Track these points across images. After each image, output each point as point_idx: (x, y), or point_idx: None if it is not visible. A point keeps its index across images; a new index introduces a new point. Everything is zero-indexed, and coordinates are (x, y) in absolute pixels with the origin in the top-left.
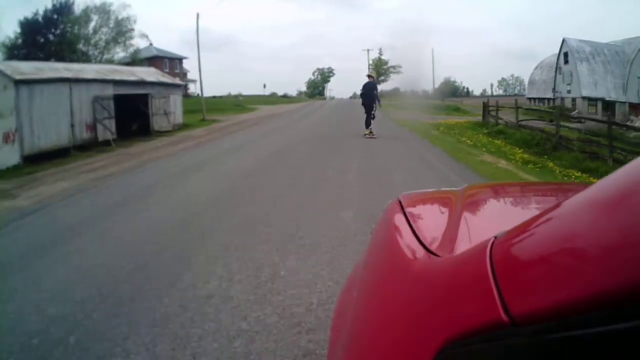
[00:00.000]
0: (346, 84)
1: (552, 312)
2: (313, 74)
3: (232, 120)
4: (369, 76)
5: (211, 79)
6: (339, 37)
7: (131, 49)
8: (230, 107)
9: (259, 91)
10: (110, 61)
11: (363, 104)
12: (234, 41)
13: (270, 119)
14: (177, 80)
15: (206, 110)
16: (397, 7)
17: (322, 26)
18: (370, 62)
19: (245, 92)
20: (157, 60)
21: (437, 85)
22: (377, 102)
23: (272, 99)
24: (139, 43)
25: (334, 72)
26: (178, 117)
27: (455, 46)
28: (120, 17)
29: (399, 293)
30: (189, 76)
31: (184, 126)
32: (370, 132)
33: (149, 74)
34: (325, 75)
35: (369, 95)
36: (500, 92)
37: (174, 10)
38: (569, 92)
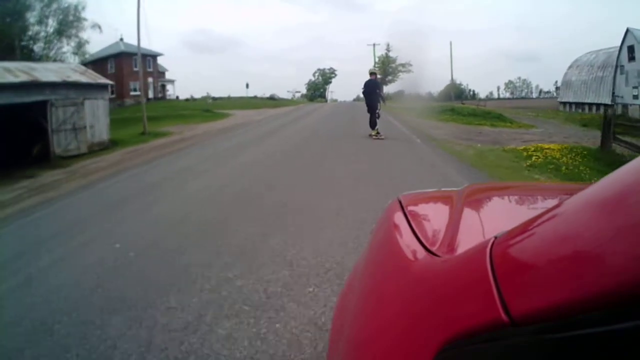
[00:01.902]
0: (349, 87)
1: (552, 312)
2: (313, 75)
3: (184, 133)
4: (372, 74)
5: (198, 80)
6: (340, 39)
7: (83, 42)
8: (198, 114)
9: (247, 93)
10: (51, 59)
11: (366, 103)
12: (232, 43)
13: (234, 131)
14: (101, 79)
15: (165, 118)
16: (399, 9)
17: (323, 28)
18: (377, 59)
19: (230, 94)
20: (125, 57)
21: (442, 87)
22: (381, 101)
23: (255, 102)
24: (101, 37)
25: (336, 72)
26: (100, 132)
27: (458, 48)
28: (65, 3)
29: (399, 293)
30: (168, 75)
31: (110, 145)
32: (377, 133)
33: (57, 72)
34: (326, 76)
35: (372, 94)
36: (507, 94)
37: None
38: (635, 97)
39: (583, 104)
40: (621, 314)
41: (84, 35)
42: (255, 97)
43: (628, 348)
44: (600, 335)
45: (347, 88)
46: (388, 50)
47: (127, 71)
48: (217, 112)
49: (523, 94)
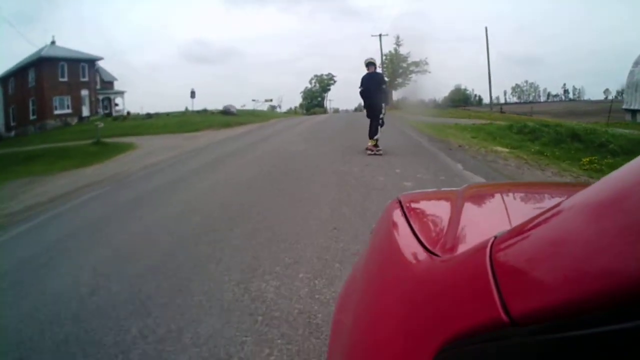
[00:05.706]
0: (349, 94)
1: (552, 312)
2: (310, 82)
3: None
4: (369, 64)
5: (178, 92)
6: (339, 47)
7: None
8: (85, 149)
9: (193, 105)
10: None
11: (366, 105)
12: (227, 53)
13: (74, 202)
14: None
15: (41, 158)
16: (399, 15)
17: (322, 36)
18: (384, 57)
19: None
20: (46, 64)
21: (446, 94)
22: (385, 102)
23: (196, 121)
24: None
25: (335, 79)
26: None
27: (459, 53)
28: None
29: (398, 293)
30: (117, 86)
31: None
32: (376, 145)
33: None
34: (324, 83)
35: (373, 92)
36: (515, 99)
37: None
38: None
39: None
40: (621, 314)
41: None
42: (204, 112)
43: (628, 348)
44: (600, 335)
45: (347, 96)
46: (398, 44)
47: (49, 83)
48: (111, 144)
49: (530, 98)
